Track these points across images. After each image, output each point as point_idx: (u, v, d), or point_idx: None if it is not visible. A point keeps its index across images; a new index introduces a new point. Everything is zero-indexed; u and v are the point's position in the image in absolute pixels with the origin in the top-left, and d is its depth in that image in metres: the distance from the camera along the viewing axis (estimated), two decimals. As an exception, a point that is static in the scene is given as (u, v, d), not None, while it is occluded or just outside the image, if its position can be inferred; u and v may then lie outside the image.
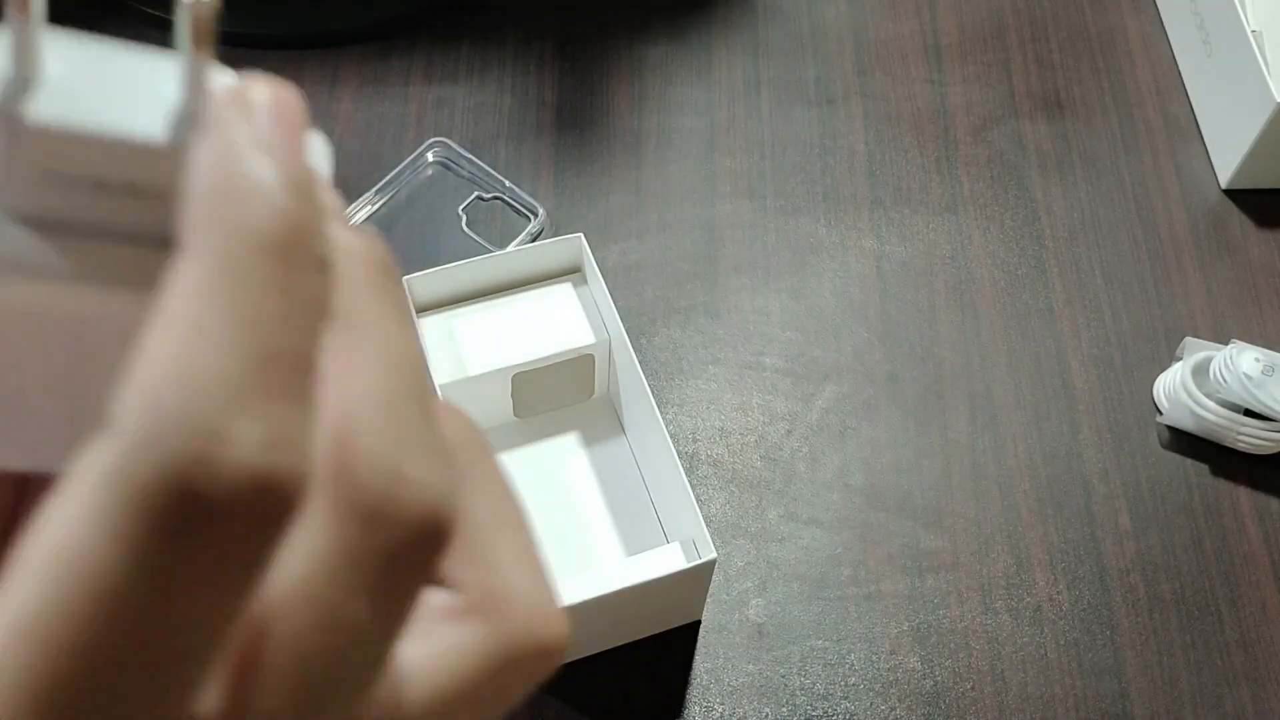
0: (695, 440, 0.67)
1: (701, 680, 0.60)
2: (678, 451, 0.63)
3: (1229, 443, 0.66)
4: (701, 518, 0.55)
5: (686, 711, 0.59)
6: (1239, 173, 0.76)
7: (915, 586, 0.63)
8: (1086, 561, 0.64)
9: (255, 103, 0.17)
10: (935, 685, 0.60)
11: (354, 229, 0.19)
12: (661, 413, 0.66)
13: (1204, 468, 0.67)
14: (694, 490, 0.64)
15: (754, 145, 0.77)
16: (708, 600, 0.62)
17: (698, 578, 0.57)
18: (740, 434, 0.67)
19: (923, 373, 0.69)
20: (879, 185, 0.76)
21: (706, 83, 0.80)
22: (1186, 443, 0.67)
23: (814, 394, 0.69)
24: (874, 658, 0.61)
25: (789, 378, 0.69)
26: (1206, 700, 0.60)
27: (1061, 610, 0.63)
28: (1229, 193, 0.77)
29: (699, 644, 0.61)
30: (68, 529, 0.15)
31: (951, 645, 0.61)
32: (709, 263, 0.73)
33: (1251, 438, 0.65)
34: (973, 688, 0.60)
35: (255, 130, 0.16)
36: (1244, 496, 0.66)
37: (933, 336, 0.71)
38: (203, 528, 0.15)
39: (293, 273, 0.16)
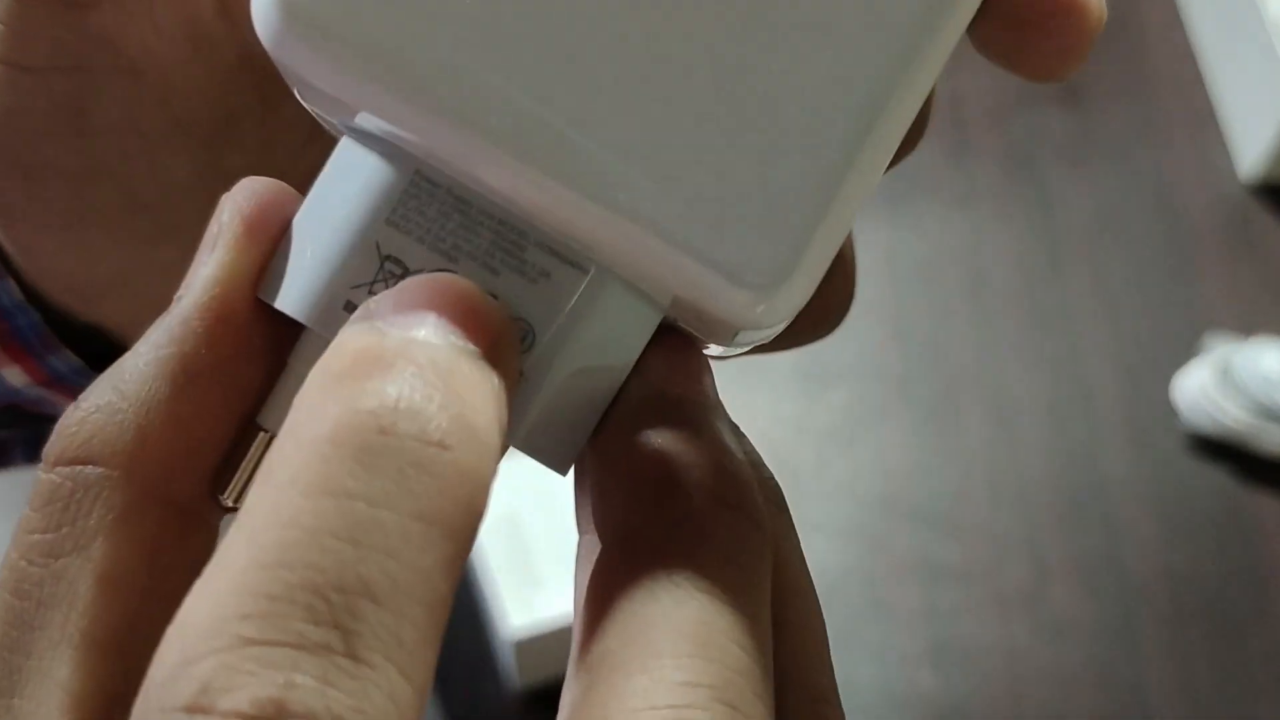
0: (699, 443, 0.64)
1: (706, 697, 0.58)
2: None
3: (1253, 447, 0.64)
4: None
5: (690, 730, 0.57)
6: (1262, 165, 0.73)
7: (929, 599, 0.61)
8: (1107, 573, 0.62)
9: None
10: (950, 703, 0.58)
11: None
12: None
13: (1228, 473, 0.65)
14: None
15: (759, 134, 0.75)
16: (712, 613, 0.60)
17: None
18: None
19: (936, 373, 0.67)
20: (889, 175, 0.74)
21: (709, 68, 0.78)
22: (1210, 447, 0.65)
23: (822, 395, 0.66)
24: (886, 674, 0.59)
25: (796, 377, 0.66)
26: (1231, 717, 0.58)
27: (1081, 624, 0.60)
28: (1251, 186, 0.74)
29: (703, 659, 0.59)
30: None
31: (967, 661, 0.59)
32: (712, 257, 0.70)
33: (1276, 442, 0.63)
34: (990, 706, 0.58)
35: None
36: (1270, 503, 0.64)
37: (946, 335, 0.68)
38: None
39: None
